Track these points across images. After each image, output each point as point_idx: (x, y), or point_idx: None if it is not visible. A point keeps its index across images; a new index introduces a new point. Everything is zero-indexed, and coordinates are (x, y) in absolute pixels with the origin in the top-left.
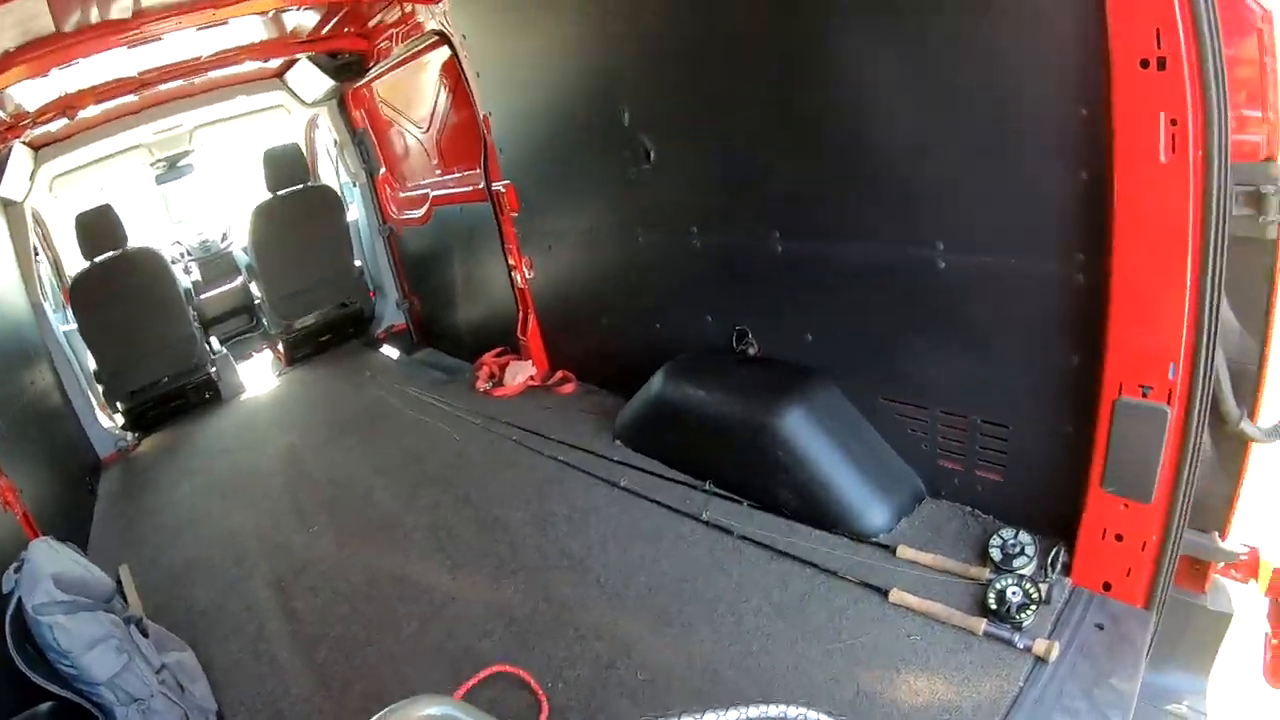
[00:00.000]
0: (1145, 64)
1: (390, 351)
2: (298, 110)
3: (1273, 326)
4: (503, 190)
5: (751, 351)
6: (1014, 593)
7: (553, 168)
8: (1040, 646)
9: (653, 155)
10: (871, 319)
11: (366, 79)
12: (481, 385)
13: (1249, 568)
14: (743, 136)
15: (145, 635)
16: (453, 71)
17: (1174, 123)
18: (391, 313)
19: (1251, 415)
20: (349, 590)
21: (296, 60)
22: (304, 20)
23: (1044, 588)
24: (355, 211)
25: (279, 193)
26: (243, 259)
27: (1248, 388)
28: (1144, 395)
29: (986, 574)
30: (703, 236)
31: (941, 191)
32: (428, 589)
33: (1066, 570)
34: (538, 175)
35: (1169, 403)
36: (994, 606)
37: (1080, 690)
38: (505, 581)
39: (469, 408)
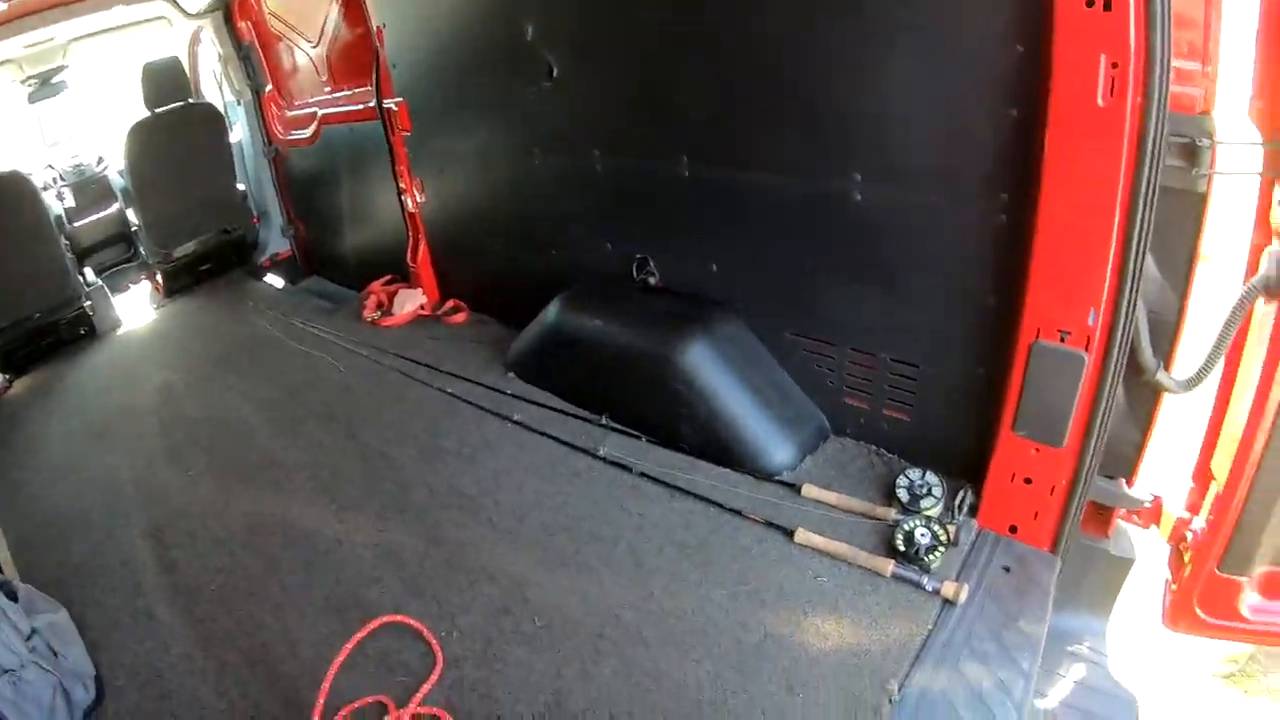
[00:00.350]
0: (1090, 3)
1: (275, 280)
2: (180, 22)
3: (1193, 280)
4: (394, 108)
5: (653, 281)
6: (922, 534)
7: (449, 85)
8: (949, 589)
9: (556, 72)
10: (781, 251)
11: None
12: (369, 314)
13: (1152, 514)
14: (653, 57)
15: (14, 599)
16: None
17: (1115, 66)
18: (276, 239)
19: (1167, 366)
20: (229, 538)
21: None
22: None
23: (951, 529)
24: (239, 132)
25: (157, 110)
26: (119, 183)
27: (1165, 339)
28: (1061, 340)
29: (893, 514)
30: (605, 160)
31: (862, 122)
32: (312, 534)
33: (973, 512)
34: (433, 93)
35: (1086, 349)
36: (902, 548)
37: (989, 632)
38: (394, 523)
39: (356, 339)
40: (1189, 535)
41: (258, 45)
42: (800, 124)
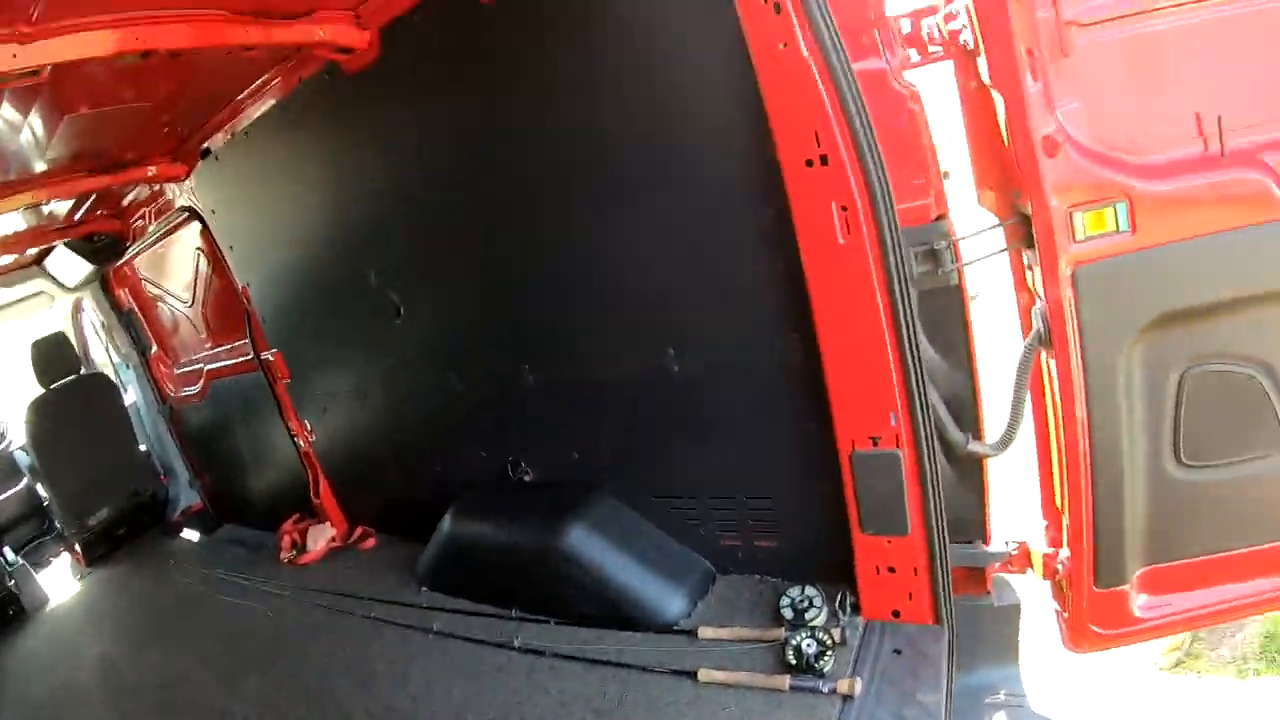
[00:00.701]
0: (810, 163)
1: (190, 534)
2: (60, 296)
3: (975, 358)
4: (271, 358)
5: (527, 478)
6: (808, 645)
7: (315, 331)
8: (844, 685)
9: (402, 310)
10: (626, 428)
11: (126, 258)
12: (285, 555)
13: (1022, 559)
14: (480, 283)
15: None
16: (210, 243)
17: (844, 208)
18: (186, 494)
19: (977, 435)
20: None
21: (54, 246)
22: (58, 207)
23: (837, 632)
24: (133, 394)
25: (52, 385)
26: (24, 459)
27: (969, 413)
28: (874, 445)
29: (783, 633)
30: (461, 379)
31: (664, 304)
32: None
33: (856, 610)
34: (302, 340)
35: (898, 446)
36: (794, 661)
37: (890, 714)
38: None
39: (277, 581)
40: (1059, 567)
41: (137, 309)
42: (614, 318)
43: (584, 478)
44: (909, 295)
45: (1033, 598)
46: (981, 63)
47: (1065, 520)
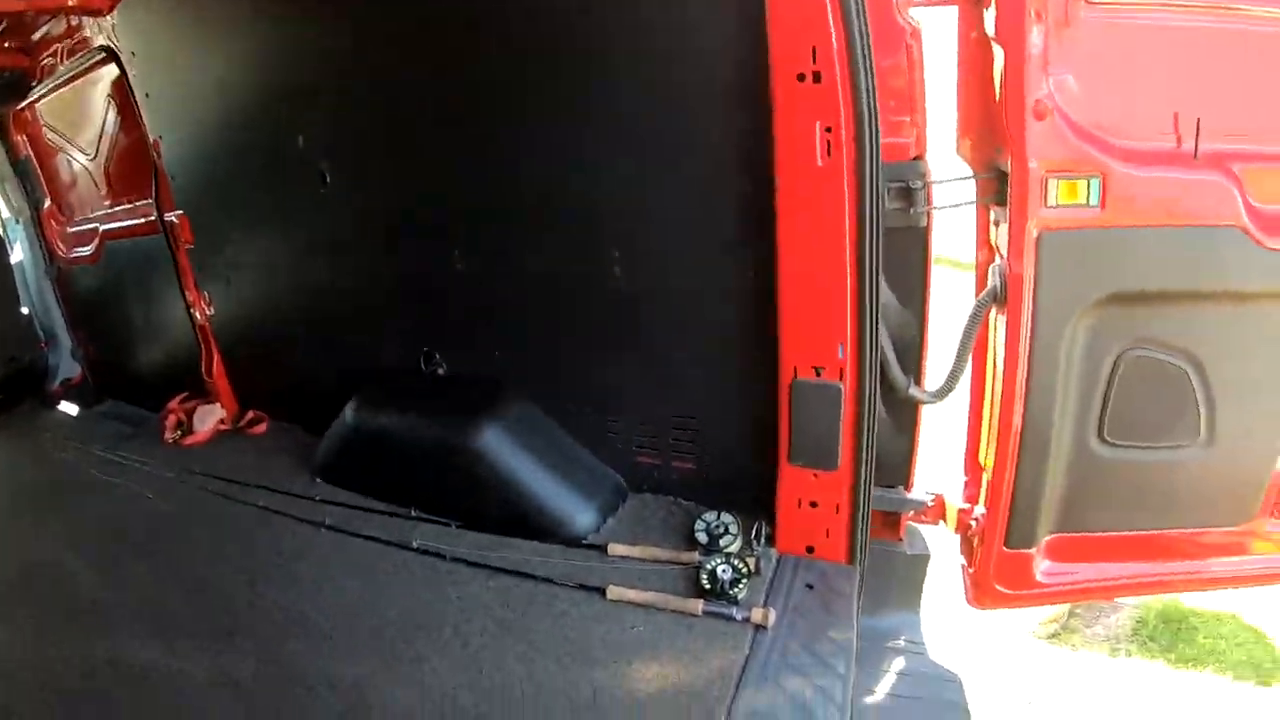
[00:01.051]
0: (801, 77)
1: (69, 408)
2: None
3: (928, 302)
4: (176, 221)
5: (441, 372)
6: (724, 570)
7: (229, 195)
8: (757, 615)
9: (329, 179)
10: (557, 332)
11: (29, 100)
12: (170, 435)
13: (937, 511)
14: (419, 158)
15: None
16: (122, 91)
17: (829, 130)
18: (67, 364)
19: (918, 381)
20: (61, 687)
21: None
22: None
23: (752, 561)
24: (20, 252)
25: None
26: None
27: (913, 358)
28: (818, 375)
29: (696, 557)
30: (384, 260)
31: (616, 204)
32: (147, 672)
33: (771, 541)
34: (213, 204)
35: (841, 379)
36: (708, 586)
37: (802, 647)
38: (225, 648)
39: (160, 461)
40: (973, 523)
41: (34, 159)
42: (562, 212)
43: (503, 377)
44: (878, 229)
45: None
46: (989, 14)
47: (986, 478)
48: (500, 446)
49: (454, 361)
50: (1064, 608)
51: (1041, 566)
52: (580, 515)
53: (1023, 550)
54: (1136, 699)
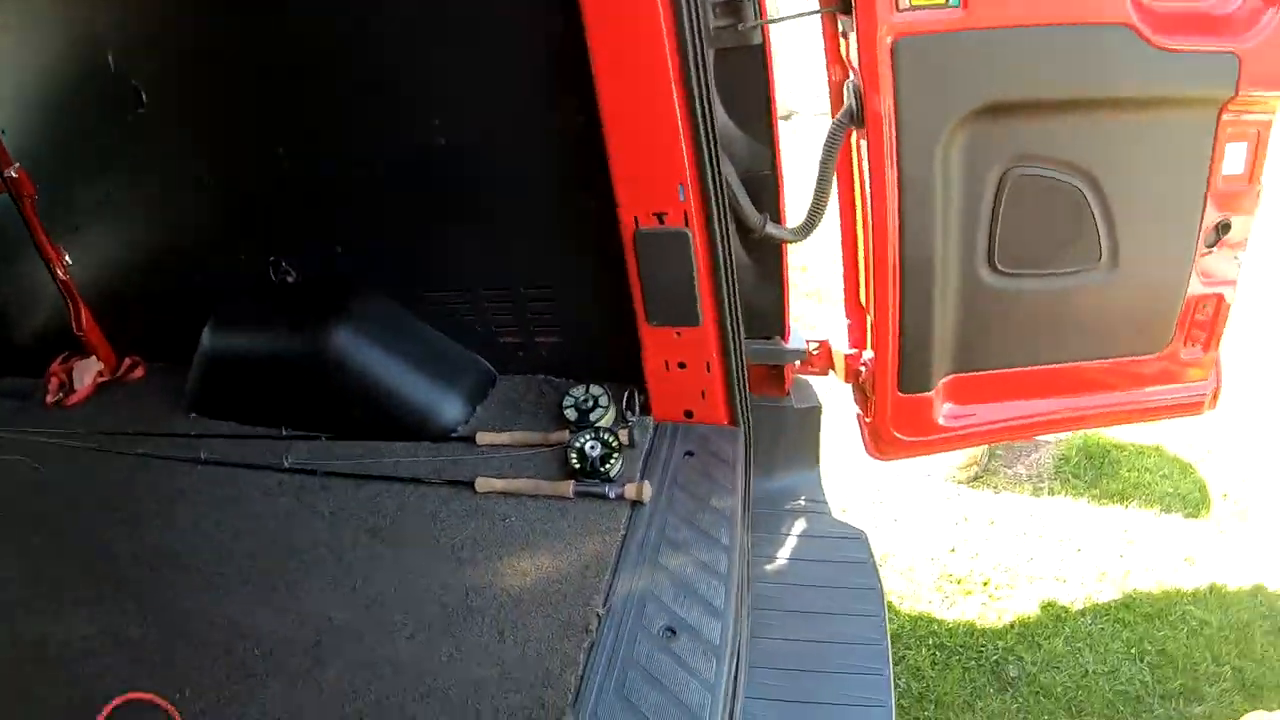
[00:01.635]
0: None
1: None
2: None
3: (776, 129)
4: (15, 175)
5: (289, 279)
6: (592, 447)
7: (57, 137)
8: (631, 490)
9: (144, 97)
10: (391, 216)
11: None
12: (52, 398)
13: (823, 360)
14: (229, 59)
15: None
16: None
17: None
18: None
19: (778, 218)
20: None
21: None
22: None
23: (625, 433)
24: None
25: None
26: None
27: (769, 193)
28: (660, 222)
29: (566, 436)
30: (212, 172)
31: (427, 67)
32: (39, 641)
33: (646, 410)
34: (47, 149)
35: (686, 224)
36: (578, 466)
37: (681, 520)
38: (110, 604)
39: (46, 427)
40: (862, 369)
41: None
42: (372, 85)
43: (350, 274)
44: (702, 51)
45: (834, 401)
46: None
47: (870, 319)
48: (354, 348)
49: (300, 266)
50: (983, 449)
51: (943, 410)
52: (447, 407)
53: (919, 394)
54: (1059, 536)
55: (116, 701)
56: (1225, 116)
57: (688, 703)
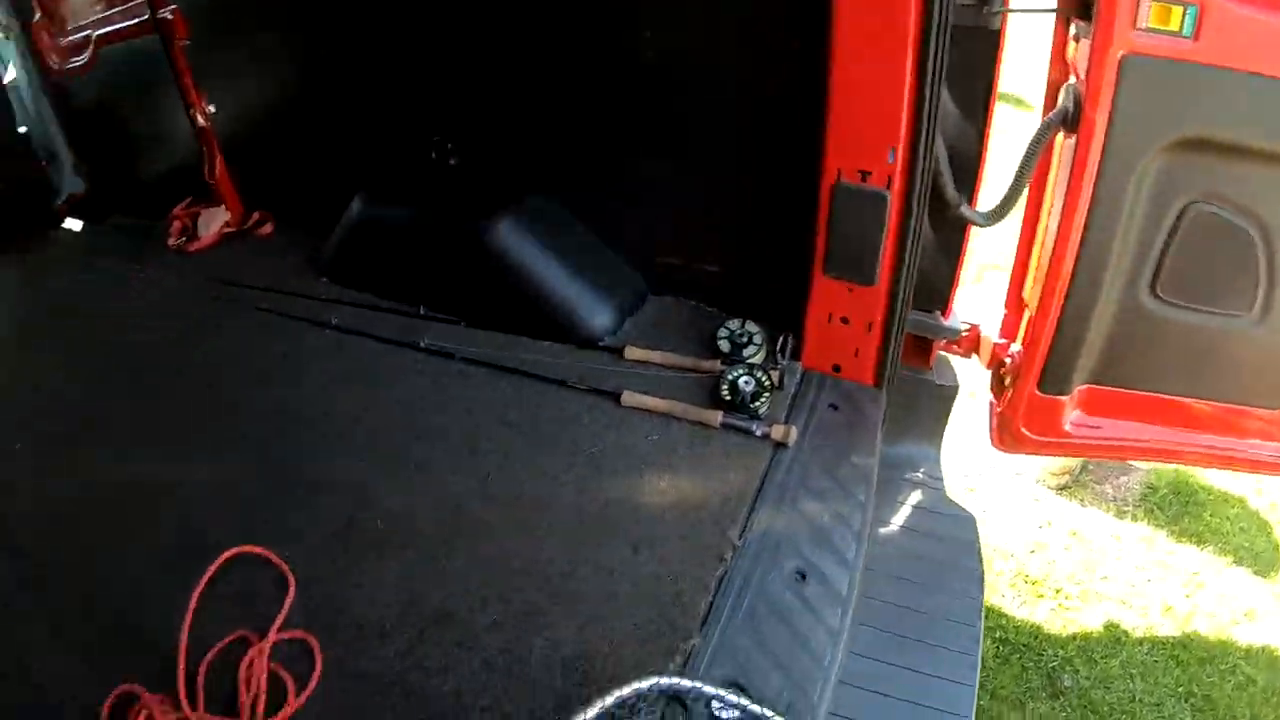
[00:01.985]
0: None
1: (73, 224)
2: None
3: (991, 115)
4: (170, 16)
5: (454, 163)
6: (746, 382)
7: None
8: (778, 431)
9: None
10: (579, 117)
11: None
12: (174, 242)
13: (971, 343)
14: None
15: None
16: None
17: None
18: (70, 180)
19: (971, 200)
20: (58, 505)
21: None
22: None
23: (775, 374)
24: (13, 71)
25: None
26: None
27: (968, 174)
28: (863, 180)
29: (718, 366)
30: (388, 43)
31: None
32: (145, 484)
33: (796, 355)
34: None
35: (888, 188)
36: (728, 397)
37: (822, 469)
38: (226, 454)
39: (164, 269)
40: (1007, 360)
41: None
42: None
43: (519, 169)
44: (946, 25)
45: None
46: None
47: (1028, 315)
48: (513, 241)
49: (467, 151)
50: (1077, 461)
51: (1071, 416)
52: (597, 315)
53: (1055, 396)
54: (1135, 562)
55: (231, 553)
56: None
57: (812, 646)
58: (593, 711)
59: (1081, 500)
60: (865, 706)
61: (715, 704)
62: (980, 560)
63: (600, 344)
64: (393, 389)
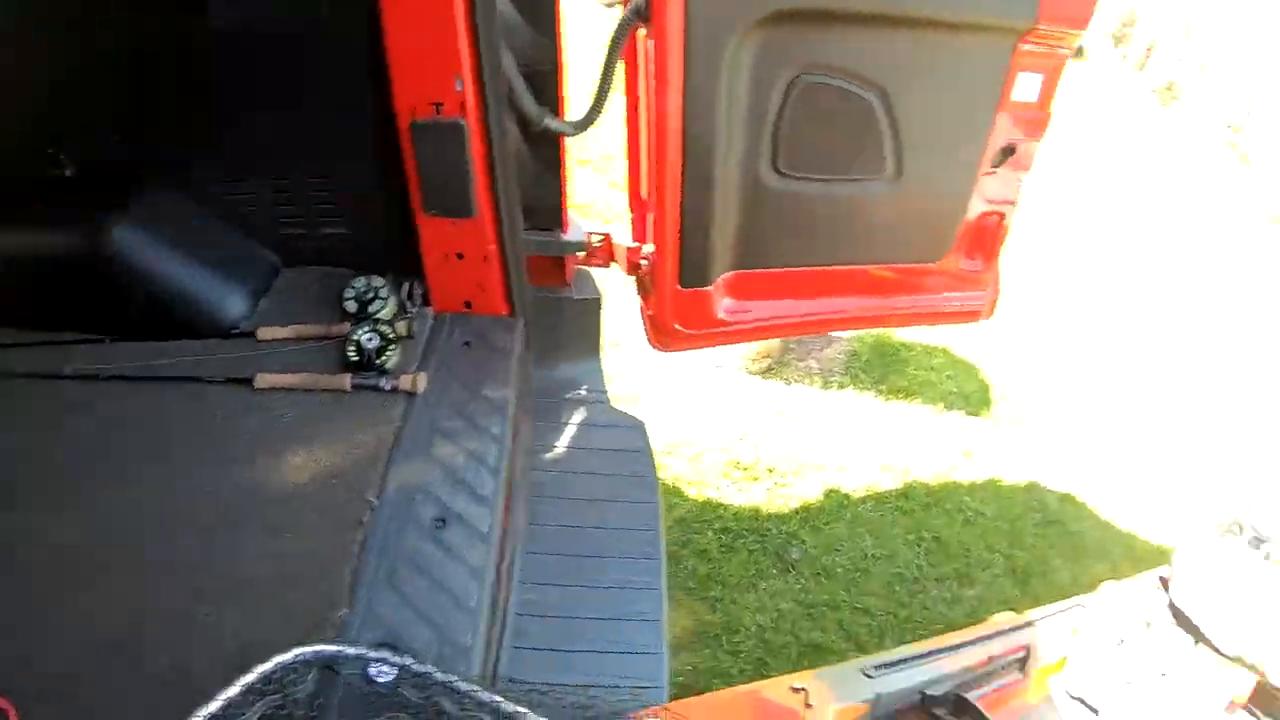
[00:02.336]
0: None
1: None
2: None
3: (560, 24)
4: None
5: (68, 173)
6: (369, 338)
7: None
8: (406, 381)
9: None
10: (162, 101)
11: None
12: None
13: (605, 253)
14: None
15: None
16: None
17: None
18: None
19: (557, 112)
20: None
21: None
22: None
23: (403, 325)
24: None
25: None
26: None
27: (550, 87)
28: (437, 113)
29: (347, 328)
30: None
31: None
32: None
33: (427, 301)
34: None
35: (463, 115)
36: (355, 358)
37: (453, 410)
38: None
39: None
40: (643, 263)
41: None
42: None
43: (129, 163)
44: None
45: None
46: None
47: (651, 215)
48: (130, 243)
49: (78, 156)
50: (776, 344)
51: (723, 305)
52: (229, 303)
53: (699, 289)
54: (845, 427)
55: None
56: (1023, 46)
57: (453, 589)
58: (234, 690)
59: (786, 380)
60: (552, 632)
61: (373, 668)
62: (652, 463)
63: (236, 331)
64: (43, 425)
